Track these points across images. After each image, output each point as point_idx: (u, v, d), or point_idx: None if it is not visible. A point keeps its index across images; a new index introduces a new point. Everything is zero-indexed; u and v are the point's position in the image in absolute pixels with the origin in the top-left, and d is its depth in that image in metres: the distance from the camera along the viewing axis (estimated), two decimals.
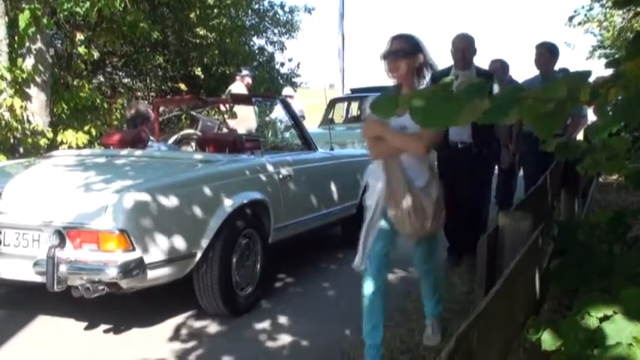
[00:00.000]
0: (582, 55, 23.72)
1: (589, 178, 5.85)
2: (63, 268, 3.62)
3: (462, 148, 5.29)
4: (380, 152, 3.37)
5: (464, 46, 5.28)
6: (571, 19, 18.49)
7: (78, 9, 7.42)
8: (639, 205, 7.28)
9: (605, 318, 1.75)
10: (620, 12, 15.59)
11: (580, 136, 7.10)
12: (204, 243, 4.10)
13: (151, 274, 3.78)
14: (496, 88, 5.13)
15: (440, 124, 1.26)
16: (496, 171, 6.70)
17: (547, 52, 6.08)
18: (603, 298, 1.84)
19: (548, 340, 2.02)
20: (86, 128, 8.76)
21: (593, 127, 1.60)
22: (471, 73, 5.25)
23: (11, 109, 7.21)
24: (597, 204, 7.62)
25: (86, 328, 4.18)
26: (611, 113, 1.51)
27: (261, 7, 15.34)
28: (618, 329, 1.72)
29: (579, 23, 18.25)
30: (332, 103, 12.67)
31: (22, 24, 7.15)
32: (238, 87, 10.05)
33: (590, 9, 17.91)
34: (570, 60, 42.91)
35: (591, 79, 1.45)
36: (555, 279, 2.71)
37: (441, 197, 3.39)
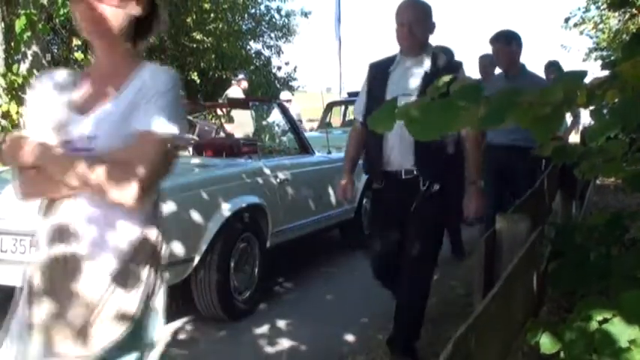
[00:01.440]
0: (579, 58, 23.78)
1: (586, 181, 5.84)
2: None
3: (408, 179, 3.41)
4: (40, 190, 1.74)
5: (409, 19, 3.40)
6: (567, 20, 18.59)
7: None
8: (637, 207, 7.29)
9: (605, 321, 1.75)
10: (616, 14, 15.64)
11: (572, 139, 7.10)
12: (202, 247, 4.09)
13: None
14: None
15: (435, 133, 1.25)
16: None
17: (504, 45, 4.88)
18: (602, 302, 1.84)
19: (547, 343, 2.02)
20: None
21: (591, 131, 1.59)
22: (422, 59, 3.47)
23: (7, 114, 7.21)
24: (595, 206, 7.63)
25: None
26: (607, 117, 1.51)
27: (258, 12, 15.38)
28: (617, 333, 1.72)
29: (575, 25, 18.33)
30: (329, 107, 12.68)
31: (18, 29, 7.16)
32: (235, 91, 10.06)
33: (586, 10, 18.00)
34: (567, 62, 42.83)
35: (588, 80, 1.46)
36: (553, 281, 2.71)
37: (140, 293, 1.64)
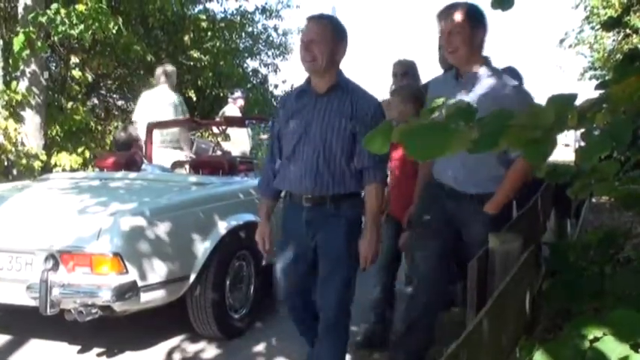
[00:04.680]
0: (574, 77, 23.93)
1: (581, 199, 5.84)
2: (56, 292, 3.61)
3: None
4: None
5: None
6: (562, 41, 18.76)
7: (72, 32, 7.46)
8: (631, 225, 7.31)
9: (595, 340, 1.76)
10: (610, 34, 15.77)
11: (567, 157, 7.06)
12: (198, 265, 4.10)
13: (145, 297, 3.77)
14: None
15: (431, 155, 1.27)
16: None
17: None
18: (593, 320, 1.85)
19: None
20: (80, 151, 8.77)
21: (582, 153, 1.59)
22: None
23: (5, 131, 7.23)
24: (590, 224, 7.65)
25: (79, 352, 4.16)
26: (598, 138, 1.52)
27: (255, 30, 15.43)
28: (608, 351, 1.73)
29: (570, 46, 18.50)
30: None
31: (16, 47, 7.19)
32: (232, 109, 10.08)
33: (581, 31, 18.17)
34: (561, 82, 43.01)
35: (581, 101, 1.48)
36: (547, 300, 2.72)
37: None
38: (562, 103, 1.40)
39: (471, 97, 3.03)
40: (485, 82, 3.15)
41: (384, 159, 3.19)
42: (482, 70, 3.19)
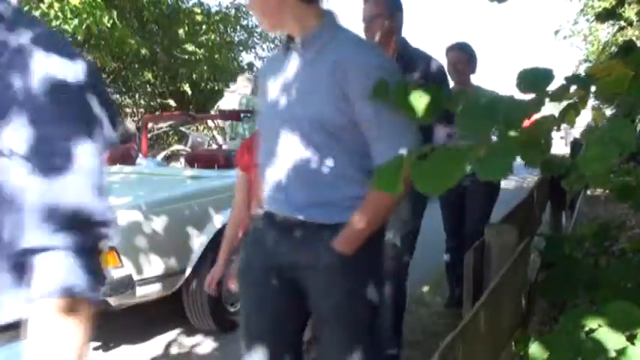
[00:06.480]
0: (569, 70, 23.96)
1: (577, 191, 5.86)
2: None
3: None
4: None
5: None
6: (556, 32, 18.80)
7: (66, 26, 7.44)
8: (626, 217, 7.34)
9: (591, 331, 1.77)
10: (605, 26, 15.80)
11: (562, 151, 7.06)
12: (194, 259, 4.10)
13: (140, 290, 3.77)
14: None
15: (443, 186, 1.16)
16: None
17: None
18: (589, 311, 1.86)
19: (535, 353, 2.04)
20: None
21: (586, 160, 1.30)
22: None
23: None
24: (585, 217, 7.66)
25: None
26: (602, 146, 1.34)
27: (250, 23, 15.42)
28: (603, 342, 1.74)
29: (565, 37, 18.54)
30: None
31: None
32: (227, 102, 10.06)
33: (575, 23, 18.20)
34: (557, 74, 42.93)
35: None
36: (543, 292, 2.73)
37: None
38: (536, 80, 1.35)
39: (295, 68, 1.97)
40: (317, 45, 1.93)
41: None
42: (311, 31, 1.94)
